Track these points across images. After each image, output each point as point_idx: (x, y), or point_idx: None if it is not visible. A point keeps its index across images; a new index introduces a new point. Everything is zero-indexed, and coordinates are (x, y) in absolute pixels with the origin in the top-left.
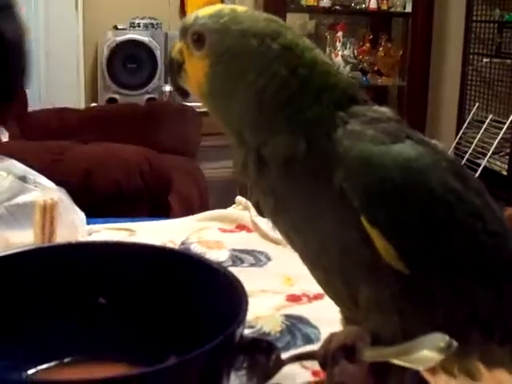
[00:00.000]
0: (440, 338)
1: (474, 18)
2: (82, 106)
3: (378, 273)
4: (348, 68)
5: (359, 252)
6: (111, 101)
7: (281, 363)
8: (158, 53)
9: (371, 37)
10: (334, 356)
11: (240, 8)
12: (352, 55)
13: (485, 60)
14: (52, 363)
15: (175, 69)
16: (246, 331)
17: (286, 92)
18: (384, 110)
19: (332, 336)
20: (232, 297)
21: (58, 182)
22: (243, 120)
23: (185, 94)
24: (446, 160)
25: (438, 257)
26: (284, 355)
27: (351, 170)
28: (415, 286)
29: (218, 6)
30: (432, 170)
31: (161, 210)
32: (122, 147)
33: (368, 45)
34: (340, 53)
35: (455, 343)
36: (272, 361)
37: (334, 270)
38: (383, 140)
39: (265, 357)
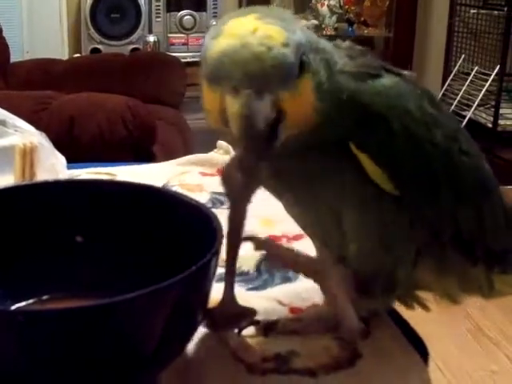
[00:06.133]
0: None
1: None
2: (65, 56)
3: (365, 198)
4: (334, 18)
5: (350, 181)
6: (95, 51)
7: None
8: (143, 2)
9: None
10: None
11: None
12: (338, 5)
13: (472, 11)
14: (30, 301)
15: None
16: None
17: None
18: (347, 43)
19: None
20: (207, 231)
21: (42, 131)
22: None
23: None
24: (420, 88)
25: (422, 176)
26: (261, 293)
27: (336, 104)
28: (403, 207)
29: (260, 22)
30: (409, 95)
31: (145, 160)
32: (105, 96)
33: None
34: (326, 2)
35: None
36: None
37: (325, 206)
38: (365, 74)
39: None
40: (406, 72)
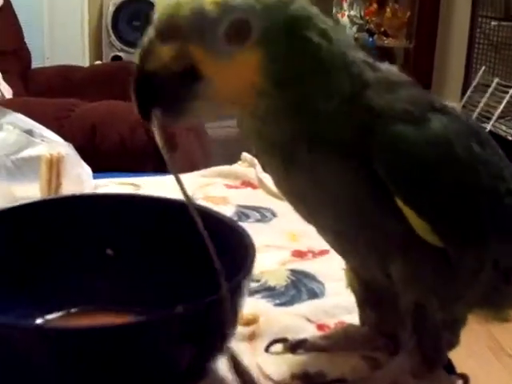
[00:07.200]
0: None
1: None
2: (86, 63)
3: (411, 247)
4: (354, 29)
5: (392, 227)
6: (116, 58)
7: None
8: None
9: None
10: None
11: None
12: (359, 16)
13: (493, 23)
14: (59, 313)
15: (185, 85)
16: (252, 285)
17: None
18: (394, 69)
19: None
20: (239, 248)
21: (63, 139)
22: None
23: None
24: (466, 125)
25: (469, 223)
26: (289, 309)
27: (383, 153)
28: (448, 255)
29: None
30: (458, 140)
31: (165, 166)
32: (126, 105)
33: (375, 5)
34: (346, 13)
35: None
36: None
37: (364, 244)
38: (412, 115)
39: None
40: (451, 105)
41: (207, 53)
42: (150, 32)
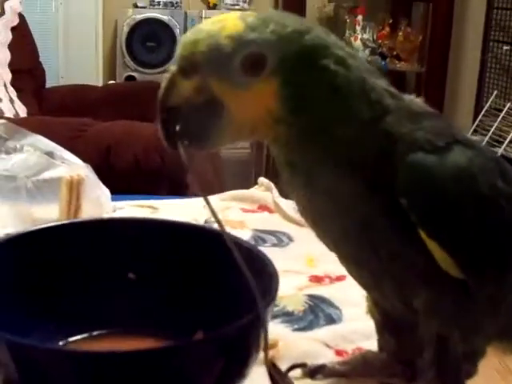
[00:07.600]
0: None
1: (495, 4)
2: (99, 82)
3: (432, 278)
4: (367, 52)
5: (413, 258)
6: (129, 78)
7: None
8: (178, 31)
9: (391, 21)
10: None
11: (248, 13)
12: (371, 39)
13: (505, 48)
14: (82, 336)
15: (213, 114)
16: None
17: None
18: (417, 100)
19: None
20: (262, 275)
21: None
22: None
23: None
24: (489, 159)
25: (492, 257)
26: (307, 334)
27: (406, 184)
28: (471, 289)
29: (234, 17)
30: (482, 175)
31: (179, 189)
32: (141, 125)
33: (388, 29)
34: (359, 36)
35: None
36: None
37: (385, 274)
38: (435, 144)
39: None
40: (475, 138)
41: (225, 84)
42: (172, 68)
